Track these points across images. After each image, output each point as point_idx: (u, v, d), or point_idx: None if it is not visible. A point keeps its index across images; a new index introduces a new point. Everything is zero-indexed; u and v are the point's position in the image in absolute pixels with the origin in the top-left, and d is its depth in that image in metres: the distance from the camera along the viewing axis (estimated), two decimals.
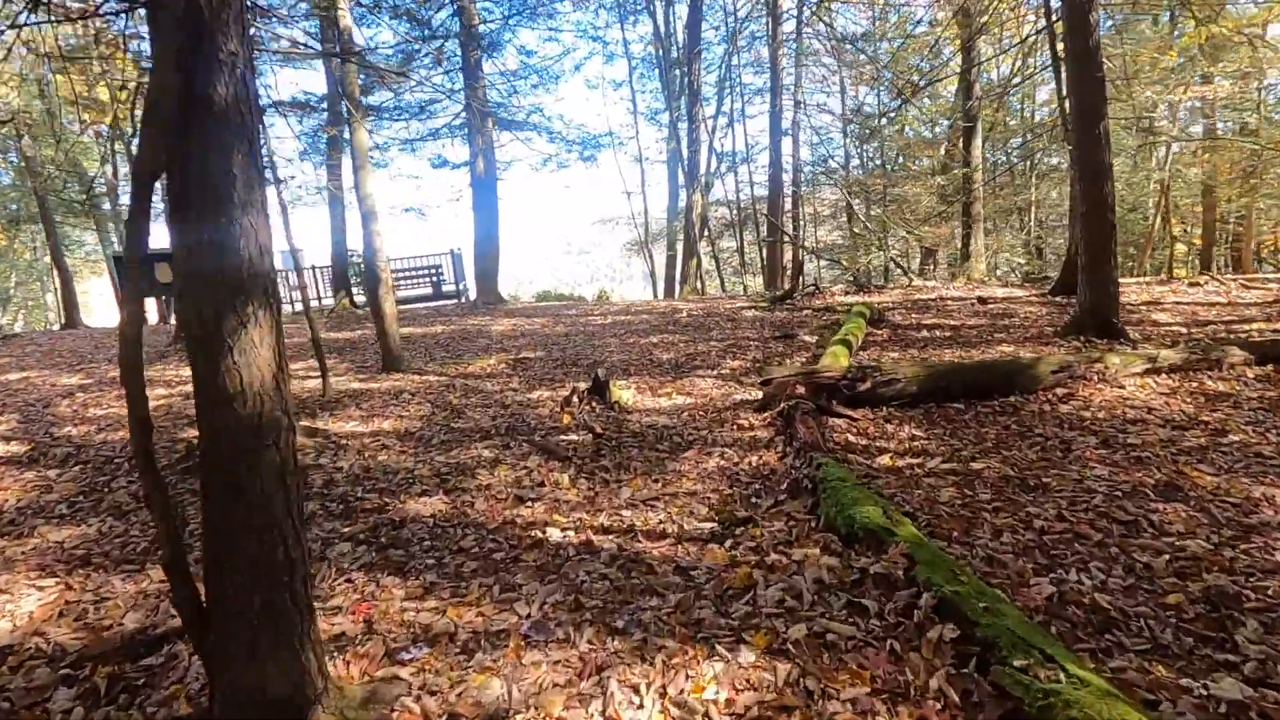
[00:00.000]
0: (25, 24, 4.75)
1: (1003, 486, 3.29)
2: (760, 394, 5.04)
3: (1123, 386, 4.80)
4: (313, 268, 15.08)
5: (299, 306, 9.22)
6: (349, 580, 2.70)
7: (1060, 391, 4.73)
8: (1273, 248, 18.44)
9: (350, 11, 7.04)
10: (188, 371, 1.66)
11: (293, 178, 15.46)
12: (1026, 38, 13.22)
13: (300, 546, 1.68)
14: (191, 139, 1.45)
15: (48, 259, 19.17)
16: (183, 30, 1.38)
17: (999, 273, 16.12)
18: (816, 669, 1.93)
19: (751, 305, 10.56)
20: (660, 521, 3.13)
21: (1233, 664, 1.90)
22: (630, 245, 24.62)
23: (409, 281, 15.12)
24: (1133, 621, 2.11)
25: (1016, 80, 15.11)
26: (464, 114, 13.96)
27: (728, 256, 21.82)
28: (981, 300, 9.26)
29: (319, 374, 5.93)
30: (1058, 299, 9.01)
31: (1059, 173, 16.10)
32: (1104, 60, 6.97)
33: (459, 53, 13.83)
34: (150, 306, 12.42)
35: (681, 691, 1.88)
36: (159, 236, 16.48)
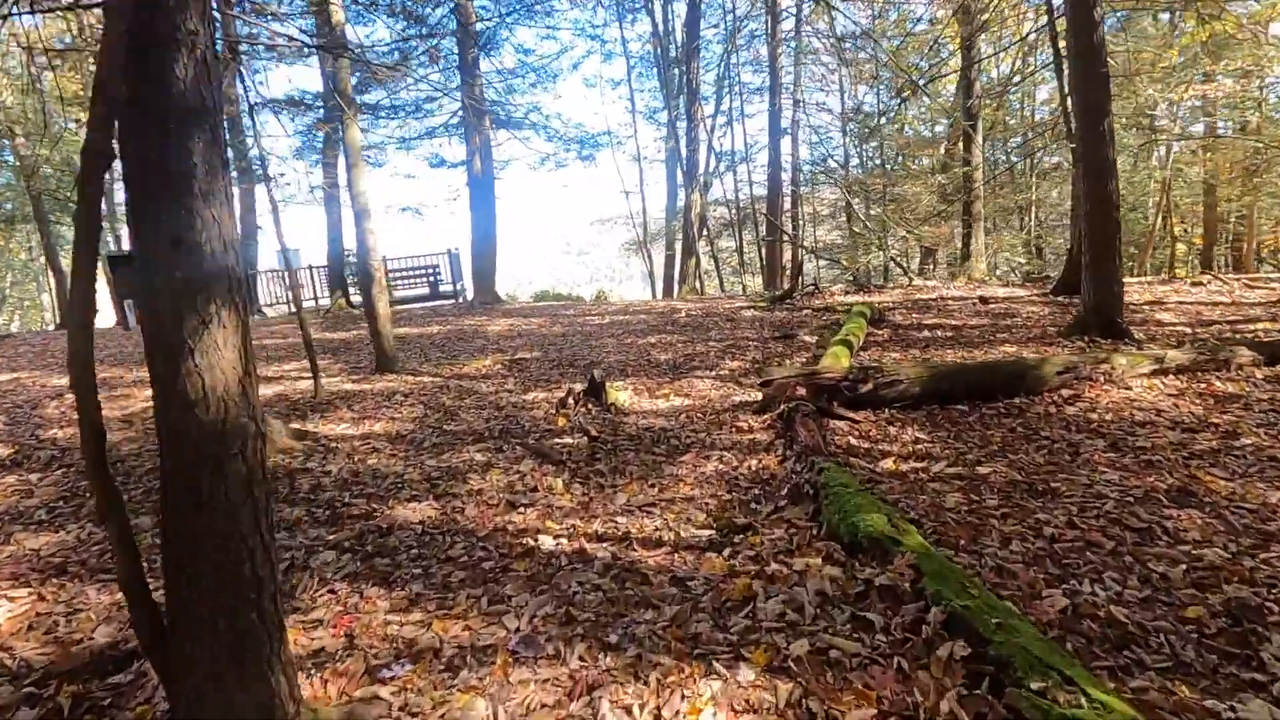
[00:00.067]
0: (10, 14, 4.64)
1: (1010, 492, 3.19)
2: (760, 395, 4.93)
3: (1129, 388, 4.70)
4: (310, 267, 14.97)
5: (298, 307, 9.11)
6: (331, 591, 2.59)
7: (1066, 393, 4.63)
8: (1273, 248, 18.35)
9: (346, 9, 6.94)
10: None
11: (282, 174, 15.35)
12: (1027, 35, 13.13)
13: (270, 562, 1.58)
14: (146, 123, 1.34)
15: (43, 259, 19.04)
16: (136, 2, 1.28)
17: (999, 272, 16.02)
18: (820, 689, 1.82)
19: (750, 305, 10.46)
20: (656, 529, 3.03)
21: (1260, 684, 1.80)
22: (629, 245, 24.53)
23: (406, 281, 15.01)
24: (1152, 637, 2.01)
25: (1017, 78, 15.03)
26: (461, 112, 13.85)
27: (726, 256, 21.74)
28: (983, 300, 9.16)
29: (311, 375, 5.82)
30: (1060, 298, 8.91)
31: (1059, 172, 16.01)
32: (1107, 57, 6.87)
33: (456, 50, 13.73)
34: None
35: (677, 713, 1.78)
36: None
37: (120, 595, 2.62)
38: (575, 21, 20.88)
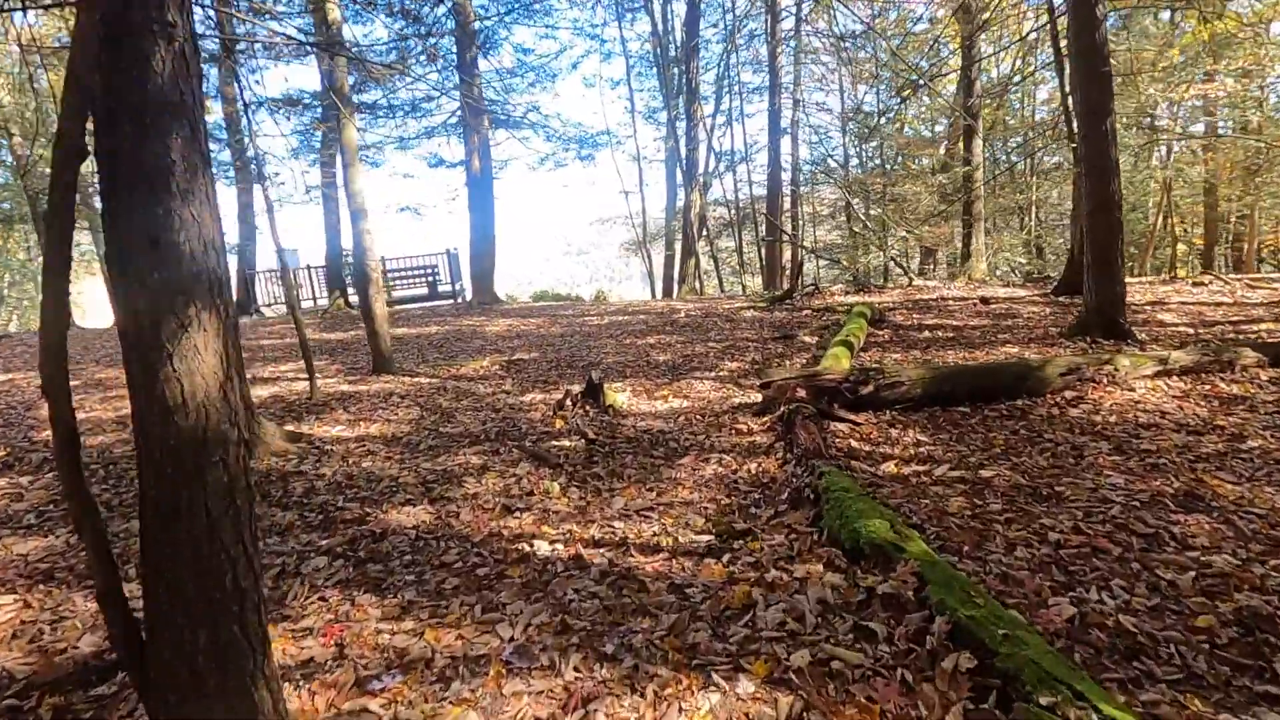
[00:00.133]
0: (4, 9, 4.59)
1: (1014, 496, 3.13)
2: (759, 397, 4.88)
3: (1133, 389, 4.65)
4: (308, 268, 14.91)
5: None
6: (322, 598, 2.53)
7: (1069, 394, 4.58)
8: (1274, 247, 18.31)
9: (344, 8, 6.89)
10: None
11: (277, 174, 15.29)
12: (1027, 34, 13.08)
13: (253, 573, 1.52)
14: (121, 116, 1.29)
15: (41, 259, 18.95)
16: None
17: (999, 272, 15.96)
18: (821, 702, 1.77)
19: (750, 305, 10.41)
20: (654, 534, 2.97)
21: (1274, 696, 1.74)
22: (628, 245, 24.48)
23: (404, 281, 14.93)
24: (1162, 647, 1.96)
25: (1017, 78, 14.97)
26: (459, 112, 13.80)
27: (726, 256, 21.68)
28: (984, 300, 9.11)
29: (307, 376, 5.77)
30: (1061, 299, 8.87)
31: (1060, 171, 15.94)
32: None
33: (454, 50, 13.68)
34: None
35: None
36: None
37: None
38: (574, 20, 20.87)
